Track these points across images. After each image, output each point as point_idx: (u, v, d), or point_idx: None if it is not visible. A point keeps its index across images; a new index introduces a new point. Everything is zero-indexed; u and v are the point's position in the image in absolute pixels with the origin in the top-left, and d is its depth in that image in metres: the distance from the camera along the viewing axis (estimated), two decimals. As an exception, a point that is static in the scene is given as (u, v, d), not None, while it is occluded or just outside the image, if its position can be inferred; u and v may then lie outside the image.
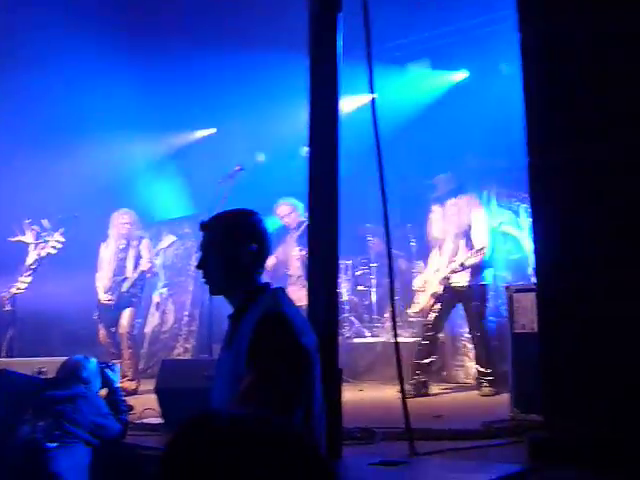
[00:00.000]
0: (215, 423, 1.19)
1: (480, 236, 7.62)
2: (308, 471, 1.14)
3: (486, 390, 7.31)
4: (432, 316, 7.72)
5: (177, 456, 1.16)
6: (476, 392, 7.47)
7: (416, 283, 8.20)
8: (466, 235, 7.68)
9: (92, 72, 10.05)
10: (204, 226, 3.32)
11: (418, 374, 7.52)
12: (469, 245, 7.63)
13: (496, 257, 8.76)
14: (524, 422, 5.01)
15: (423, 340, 7.77)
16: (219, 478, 1.10)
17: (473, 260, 7.51)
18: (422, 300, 7.87)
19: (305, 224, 8.53)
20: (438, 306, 7.71)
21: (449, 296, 7.67)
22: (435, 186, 7.99)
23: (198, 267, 3.28)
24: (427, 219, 8.12)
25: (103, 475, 4.88)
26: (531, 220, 4.31)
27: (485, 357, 7.51)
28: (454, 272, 7.59)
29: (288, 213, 8.78)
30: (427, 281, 7.89)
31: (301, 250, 8.44)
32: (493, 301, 8.54)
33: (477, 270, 7.59)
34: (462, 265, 7.52)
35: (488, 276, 7.70)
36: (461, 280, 7.61)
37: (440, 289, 7.68)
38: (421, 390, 7.45)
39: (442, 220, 7.88)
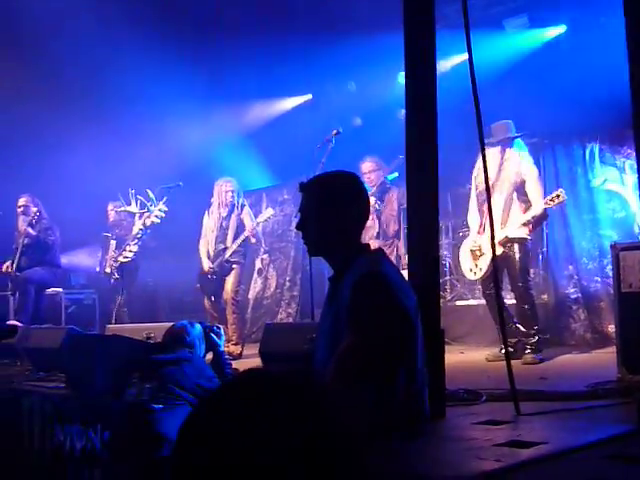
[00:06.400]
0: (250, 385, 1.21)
1: (536, 192, 7.19)
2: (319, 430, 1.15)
3: (528, 357, 6.83)
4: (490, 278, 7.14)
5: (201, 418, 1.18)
6: (583, 353, 7.32)
7: (469, 244, 7.61)
8: (518, 189, 7.22)
9: (192, 43, 10.22)
10: (304, 187, 3.34)
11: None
12: (521, 199, 7.20)
13: (600, 216, 8.58)
14: (632, 383, 4.90)
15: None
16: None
17: (536, 214, 7.09)
18: (483, 263, 7.33)
19: (385, 184, 8.59)
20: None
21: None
22: (490, 132, 7.33)
23: (298, 228, 3.31)
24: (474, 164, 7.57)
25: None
26: (637, 176, 4.18)
27: (530, 315, 7.07)
28: (526, 225, 7.11)
29: (371, 170, 8.74)
30: (477, 241, 7.41)
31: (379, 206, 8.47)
32: (598, 260, 8.37)
33: (524, 224, 7.15)
34: (533, 217, 7.08)
35: (526, 230, 7.19)
36: (499, 236, 7.03)
37: (499, 250, 7.03)
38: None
39: (491, 167, 7.11)
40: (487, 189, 4.73)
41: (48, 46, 10.13)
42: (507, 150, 7.33)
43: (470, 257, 7.54)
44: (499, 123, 7.46)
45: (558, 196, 7.01)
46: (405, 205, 8.32)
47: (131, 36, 9.66)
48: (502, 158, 7.32)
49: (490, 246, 6.79)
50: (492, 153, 7.27)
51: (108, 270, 9.81)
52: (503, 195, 7.23)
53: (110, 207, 10.52)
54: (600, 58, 8.00)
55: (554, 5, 9.76)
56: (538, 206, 7.10)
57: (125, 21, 9.53)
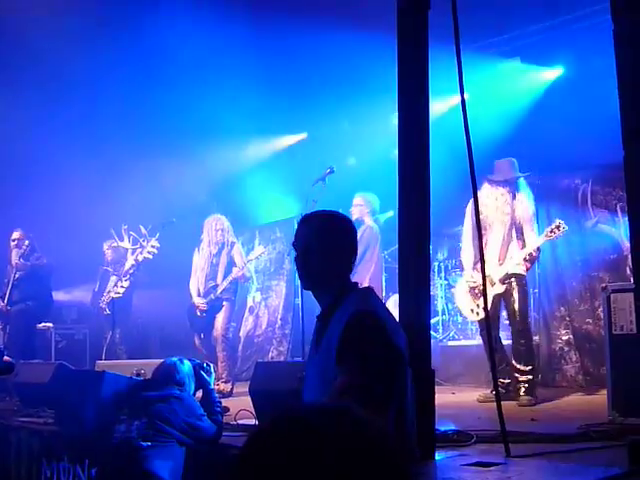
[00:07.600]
0: (299, 420, 1.18)
1: (533, 230, 7.30)
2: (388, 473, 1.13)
3: (524, 399, 6.82)
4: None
5: (257, 452, 1.16)
6: (574, 395, 7.28)
7: (467, 280, 7.57)
8: (517, 228, 7.29)
9: (187, 81, 10.28)
10: (306, 219, 3.38)
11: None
12: (520, 237, 7.27)
13: (592, 257, 8.58)
14: (623, 425, 4.88)
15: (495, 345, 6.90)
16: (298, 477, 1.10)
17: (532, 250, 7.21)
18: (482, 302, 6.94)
19: (361, 221, 8.56)
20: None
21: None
22: (494, 168, 7.52)
23: (297, 259, 3.34)
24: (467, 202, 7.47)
25: (198, 474, 4.97)
26: (628, 218, 4.18)
27: (525, 352, 7.08)
28: (525, 261, 7.20)
29: (356, 204, 8.77)
30: (474, 276, 7.36)
31: None
32: (590, 302, 8.35)
33: (523, 261, 7.24)
34: (530, 255, 7.20)
35: (524, 268, 7.26)
36: (500, 273, 7.15)
37: (501, 287, 7.16)
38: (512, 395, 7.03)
39: (491, 203, 7.31)
40: (478, 226, 4.74)
41: (39, 78, 10.20)
42: (517, 193, 7.42)
43: (469, 296, 7.49)
44: (503, 160, 7.56)
45: (558, 227, 7.06)
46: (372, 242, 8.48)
47: (120, 72, 9.74)
48: (511, 199, 7.37)
49: (490, 283, 6.93)
50: (500, 192, 7.38)
51: (104, 305, 9.79)
52: (502, 232, 7.26)
53: (105, 246, 10.49)
54: (594, 99, 8.07)
55: (547, 47, 9.87)
56: (534, 243, 7.20)
57: (113, 56, 9.63)
